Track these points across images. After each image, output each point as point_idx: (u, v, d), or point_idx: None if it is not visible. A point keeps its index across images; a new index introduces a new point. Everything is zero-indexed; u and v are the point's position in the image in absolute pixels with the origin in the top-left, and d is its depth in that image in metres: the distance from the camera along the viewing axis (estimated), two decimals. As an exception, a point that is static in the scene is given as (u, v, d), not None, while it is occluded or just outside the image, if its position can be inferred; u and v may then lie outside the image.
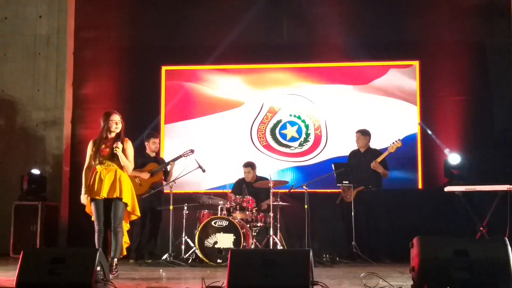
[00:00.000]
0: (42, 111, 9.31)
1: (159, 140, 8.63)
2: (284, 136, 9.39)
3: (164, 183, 8.27)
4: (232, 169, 9.05)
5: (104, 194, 6.10)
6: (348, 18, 9.19)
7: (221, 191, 8.77)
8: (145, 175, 8.16)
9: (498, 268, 4.35)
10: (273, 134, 9.40)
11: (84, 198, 6.26)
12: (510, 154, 8.50)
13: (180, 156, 8.19)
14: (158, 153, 8.63)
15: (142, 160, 8.33)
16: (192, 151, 8.20)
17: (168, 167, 8.32)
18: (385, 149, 8.31)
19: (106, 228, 6.17)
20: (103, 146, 6.18)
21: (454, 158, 8.43)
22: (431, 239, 4.61)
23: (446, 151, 8.60)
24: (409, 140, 8.81)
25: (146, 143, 8.42)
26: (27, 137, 9.29)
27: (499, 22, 8.86)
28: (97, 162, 6.18)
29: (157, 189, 8.12)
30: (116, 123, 6.18)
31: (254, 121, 9.43)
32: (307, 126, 9.33)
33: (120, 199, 6.14)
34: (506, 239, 4.46)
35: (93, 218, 6.25)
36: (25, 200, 8.74)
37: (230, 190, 8.52)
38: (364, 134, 8.51)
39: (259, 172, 8.73)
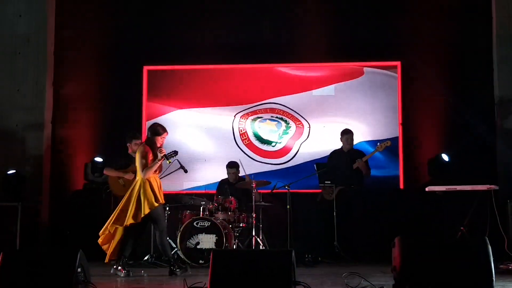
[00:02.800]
0: (22, 111, 9.18)
1: (141, 141, 8.58)
2: (263, 130, 9.36)
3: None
4: (215, 169, 9.04)
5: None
6: (330, 19, 9.20)
7: (203, 191, 8.74)
8: (129, 176, 8.10)
9: (479, 268, 4.37)
10: (253, 129, 9.37)
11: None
12: (490, 154, 8.57)
13: (163, 158, 8.14)
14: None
15: (125, 160, 8.27)
16: (175, 152, 8.15)
17: None
18: (371, 149, 8.37)
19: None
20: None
21: (444, 157, 8.54)
22: (413, 239, 4.63)
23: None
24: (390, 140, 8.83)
25: (128, 144, 8.35)
26: (6, 138, 9.16)
27: (480, 23, 8.92)
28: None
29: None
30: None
31: (234, 119, 9.40)
32: (287, 122, 9.33)
33: None
34: (487, 238, 4.49)
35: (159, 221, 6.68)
36: (3, 201, 8.63)
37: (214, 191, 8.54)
38: (352, 134, 8.55)
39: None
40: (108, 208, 8.27)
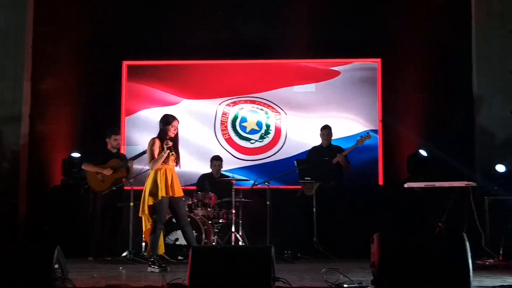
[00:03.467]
0: (-1, 106, 9.09)
1: (120, 137, 8.53)
2: (244, 129, 9.37)
3: (125, 179, 8.17)
4: (195, 164, 9.02)
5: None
6: (311, 16, 9.20)
7: (182, 187, 8.71)
8: (107, 172, 8.05)
9: (456, 264, 4.41)
10: (234, 126, 9.38)
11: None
12: (469, 151, 8.64)
13: (141, 154, 8.11)
14: (119, 149, 8.52)
15: (104, 156, 8.22)
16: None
17: (128, 164, 8.23)
18: (352, 144, 8.41)
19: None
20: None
21: (422, 153, 8.60)
22: (391, 235, 4.65)
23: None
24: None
25: (107, 140, 8.30)
26: (-17, 133, 9.06)
27: (460, 21, 8.98)
28: None
29: (118, 185, 8.02)
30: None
31: (216, 114, 9.38)
32: (267, 118, 9.33)
33: None
34: (464, 234, 4.52)
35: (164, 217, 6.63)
36: (-20, 197, 8.54)
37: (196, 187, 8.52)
38: (330, 129, 8.58)
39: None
40: (87, 203, 8.24)
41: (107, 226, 8.19)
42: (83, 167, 8.24)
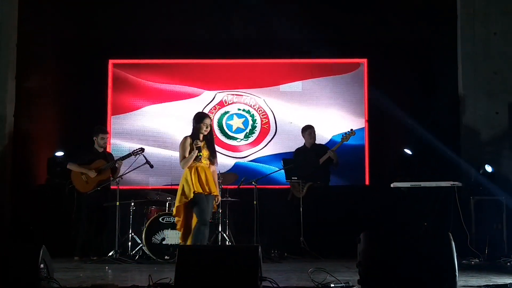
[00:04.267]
0: (-17, 105, 9.00)
1: (108, 136, 8.48)
2: (230, 127, 9.37)
3: (112, 178, 8.13)
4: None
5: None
6: (298, 16, 9.22)
7: (169, 186, 8.69)
8: (92, 174, 7.99)
9: (442, 263, 4.43)
10: (220, 124, 9.37)
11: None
12: (454, 150, 8.68)
13: (129, 155, 8.08)
14: (105, 148, 8.47)
15: (89, 156, 8.17)
16: (142, 149, 8.10)
17: (116, 165, 8.18)
18: (337, 141, 8.42)
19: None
20: None
21: (407, 151, 8.65)
22: (377, 235, 4.67)
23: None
24: (356, 137, 8.87)
25: (94, 138, 8.25)
26: (-34, 131, 8.97)
27: (445, 21, 9.03)
28: None
29: (103, 185, 7.98)
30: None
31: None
32: (254, 120, 9.34)
33: None
34: (450, 234, 4.54)
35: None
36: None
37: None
38: (314, 129, 8.61)
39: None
40: (72, 203, 8.18)
41: (93, 225, 8.13)
42: (68, 166, 8.17)
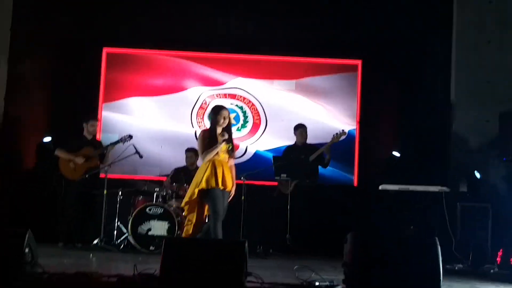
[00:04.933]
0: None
1: (98, 123, 8.44)
2: None
3: (101, 166, 8.10)
4: (171, 157, 8.99)
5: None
6: (293, 15, 9.23)
7: (157, 177, 8.67)
8: (79, 160, 7.97)
9: (427, 267, 4.46)
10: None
11: None
12: (444, 155, 8.73)
13: (117, 142, 8.07)
14: (95, 135, 8.44)
15: (78, 143, 8.14)
16: (130, 136, 8.08)
17: (105, 151, 8.16)
18: (325, 143, 8.46)
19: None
20: None
21: (395, 154, 8.68)
22: (364, 236, 4.69)
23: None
24: (348, 138, 8.88)
25: (84, 125, 8.22)
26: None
27: (440, 28, 9.05)
28: None
29: (91, 173, 7.95)
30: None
31: (193, 107, 9.35)
32: (246, 116, 9.34)
33: None
34: (436, 238, 4.57)
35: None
36: None
37: (166, 177, 8.45)
38: (306, 129, 8.62)
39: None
40: (59, 190, 8.14)
41: (80, 213, 8.09)
42: (56, 153, 8.14)
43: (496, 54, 8.68)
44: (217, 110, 6.28)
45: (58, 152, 8.09)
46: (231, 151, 6.31)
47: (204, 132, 6.33)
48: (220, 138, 6.20)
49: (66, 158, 8.03)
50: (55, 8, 9.23)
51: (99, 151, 8.09)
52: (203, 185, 6.10)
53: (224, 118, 6.22)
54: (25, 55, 9.19)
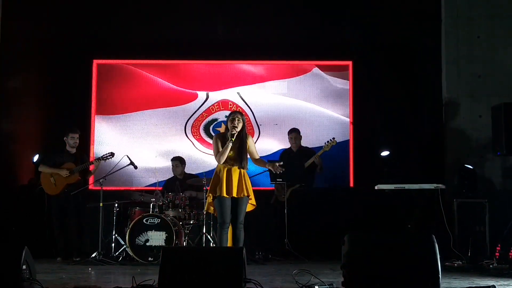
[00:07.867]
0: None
1: (78, 136, 8.29)
2: (216, 133, 9.36)
3: (95, 179, 8.07)
4: (165, 167, 8.97)
5: None
6: (284, 17, 9.24)
7: (153, 187, 8.65)
8: (64, 173, 7.90)
9: (425, 265, 4.45)
10: (207, 130, 9.35)
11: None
12: (438, 153, 8.73)
13: (99, 159, 8.00)
14: (77, 148, 8.32)
15: (58, 159, 8.07)
16: (112, 154, 8.03)
17: (86, 167, 8.11)
18: (320, 147, 8.44)
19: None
20: None
21: (385, 153, 8.68)
22: (362, 236, 4.68)
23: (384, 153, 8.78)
24: (341, 139, 8.89)
25: (65, 139, 8.15)
26: None
27: (429, 24, 9.07)
28: None
29: (75, 191, 7.89)
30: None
31: (189, 119, 9.34)
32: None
33: None
34: (433, 236, 4.56)
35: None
36: None
37: (160, 188, 8.43)
38: (299, 133, 8.62)
39: (194, 169, 8.70)
40: (42, 206, 8.10)
41: (75, 227, 8.05)
42: (39, 169, 8.11)
43: (486, 49, 8.71)
44: (229, 115, 6.45)
45: (41, 168, 8.06)
46: (240, 159, 6.31)
47: (217, 135, 6.50)
48: (228, 136, 6.30)
49: (48, 173, 7.97)
50: (44, 22, 9.21)
51: (80, 168, 8.00)
52: (211, 191, 6.34)
53: (233, 121, 6.31)
54: (15, 70, 9.15)
